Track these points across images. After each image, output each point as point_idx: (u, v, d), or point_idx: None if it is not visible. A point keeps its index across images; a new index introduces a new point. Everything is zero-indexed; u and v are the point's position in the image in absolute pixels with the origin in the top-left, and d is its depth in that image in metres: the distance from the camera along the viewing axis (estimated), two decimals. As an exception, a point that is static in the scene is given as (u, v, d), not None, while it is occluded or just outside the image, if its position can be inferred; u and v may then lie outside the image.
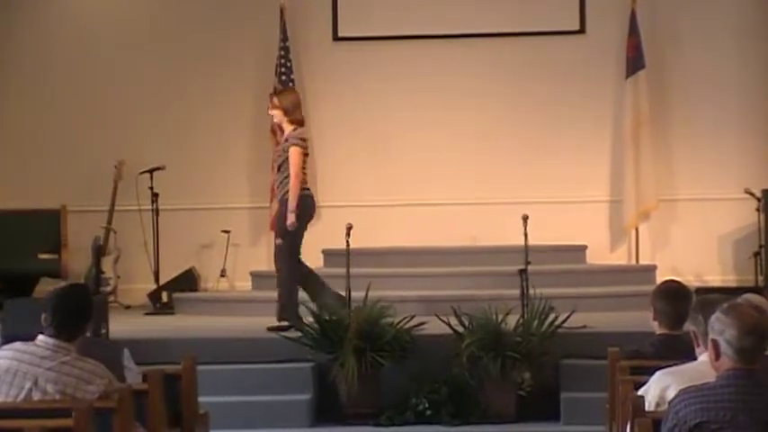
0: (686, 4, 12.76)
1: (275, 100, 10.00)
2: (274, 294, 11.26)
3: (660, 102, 12.74)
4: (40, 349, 5.54)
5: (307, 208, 9.92)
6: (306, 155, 9.87)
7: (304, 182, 9.84)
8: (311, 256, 12.29)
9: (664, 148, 12.75)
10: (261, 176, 12.85)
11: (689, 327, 5.48)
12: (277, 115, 9.97)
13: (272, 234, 12.87)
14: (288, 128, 9.90)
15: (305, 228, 10.01)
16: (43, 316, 5.60)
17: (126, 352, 6.45)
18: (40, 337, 5.58)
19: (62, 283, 5.79)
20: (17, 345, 5.64)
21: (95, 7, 13.19)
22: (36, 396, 5.48)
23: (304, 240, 12.88)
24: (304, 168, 9.84)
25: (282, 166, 9.85)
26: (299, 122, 9.93)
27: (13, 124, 13.02)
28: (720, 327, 4.48)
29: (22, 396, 5.48)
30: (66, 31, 13.13)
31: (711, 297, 5.30)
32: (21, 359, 5.53)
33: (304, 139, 9.89)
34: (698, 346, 5.36)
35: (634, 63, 12.58)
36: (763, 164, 12.45)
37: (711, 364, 4.57)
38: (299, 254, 9.99)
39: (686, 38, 12.78)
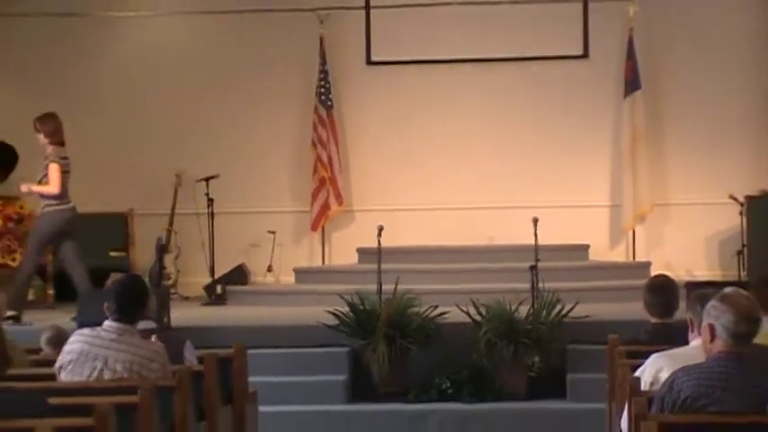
0: (678, 33, 12.69)
1: (37, 125, 10.00)
2: (318, 287, 11.29)
3: (655, 118, 12.69)
4: (107, 333, 5.58)
5: (57, 219, 9.93)
6: (65, 172, 9.88)
7: (63, 195, 9.87)
8: (347, 254, 12.38)
9: (658, 158, 12.69)
10: (302, 184, 12.86)
11: (687, 315, 5.45)
12: (40, 138, 9.97)
13: (312, 234, 12.94)
14: (49, 148, 9.91)
15: (53, 234, 10.05)
16: (106, 304, 5.63)
17: (188, 344, 6.46)
18: (106, 322, 5.62)
19: (120, 275, 5.84)
20: (85, 331, 5.69)
21: (161, 37, 13.20)
22: (106, 374, 5.50)
23: (340, 239, 12.97)
24: (64, 184, 9.87)
25: (43, 180, 9.88)
26: (58, 143, 9.92)
27: (90, 138, 13.02)
28: (716, 313, 4.47)
29: (94, 375, 5.51)
30: (135, 58, 13.16)
31: (707, 291, 5.25)
32: (92, 343, 5.57)
33: (62, 158, 9.89)
34: (692, 332, 5.33)
35: (631, 84, 12.52)
36: (745, 173, 12.37)
37: (704, 347, 4.56)
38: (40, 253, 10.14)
39: (678, 62, 12.72)
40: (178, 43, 13.19)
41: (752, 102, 12.65)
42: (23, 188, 10.04)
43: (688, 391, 4.41)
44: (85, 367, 5.53)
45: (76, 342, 5.61)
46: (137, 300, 5.70)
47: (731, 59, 12.65)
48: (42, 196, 9.95)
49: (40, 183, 9.89)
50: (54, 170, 9.78)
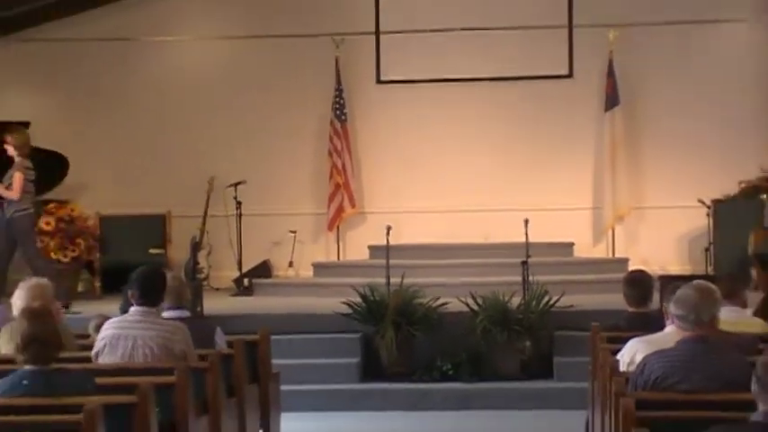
0: (653, 55, 12.67)
1: (8, 138, 10.00)
2: (333, 280, 11.28)
3: (632, 130, 12.67)
4: (133, 317, 5.68)
5: (29, 219, 9.95)
6: (28, 180, 9.85)
7: (22, 200, 9.80)
8: (359, 250, 12.40)
9: (635, 166, 12.68)
10: (319, 189, 12.88)
11: (662, 305, 5.50)
12: (9, 149, 9.97)
13: (329, 234, 12.95)
14: (17, 159, 9.90)
15: (32, 231, 10.14)
16: (130, 292, 5.71)
17: (218, 330, 6.47)
18: (132, 308, 5.70)
19: (142, 267, 5.88)
20: (115, 318, 5.80)
21: (197, 60, 13.18)
22: (138, 352, 5.56)
23: (353, 238, 12.97)
24: (26, 190, 9.85)
25: (9, 187, 9.84)
26: (25, 155, 9.91)
27: (133, 148, 13.10)
28: (673, 304, 4.59)
29: (127, 354, 5.57)
30: (173, 77, 13.16)
31: (680, 284, 5.26)
32: (121, 327, 5.66)
33: (27, 168, 9.88)
34: (667, 319, 5.35)
35: (611, 100, 12.52)
36: (712, 179, 12.30)
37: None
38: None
39: (653, 81, 12.70)
40: (211, 65, 13.19)
41: (719, 115, 12.61)
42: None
43: (658, 372, 4.44)
44: (118, 348, 5.60)
45: (108, 329, 5.70)
46: (156, 286, 5.78)
47: (702, 77, 12.63)
48: (2, 198, 9.97)
49: (7, 188, 9.89)
50: (18, 179, 9.81)
